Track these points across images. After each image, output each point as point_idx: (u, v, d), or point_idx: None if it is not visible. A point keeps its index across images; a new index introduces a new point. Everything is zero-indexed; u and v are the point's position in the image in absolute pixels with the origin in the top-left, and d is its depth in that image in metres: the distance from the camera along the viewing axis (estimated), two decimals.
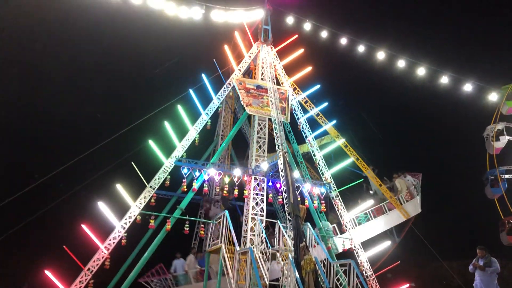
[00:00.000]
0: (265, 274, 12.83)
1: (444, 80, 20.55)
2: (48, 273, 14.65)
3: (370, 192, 21.29)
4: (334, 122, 21.18)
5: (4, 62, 24.53)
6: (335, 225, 19.38)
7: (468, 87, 20.32)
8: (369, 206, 19.98)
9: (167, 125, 18.00)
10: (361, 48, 21.57)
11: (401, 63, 21.08)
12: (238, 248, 13.45)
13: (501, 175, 22.75)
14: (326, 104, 21.38)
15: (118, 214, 16.31)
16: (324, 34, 21.81)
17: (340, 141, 20.73)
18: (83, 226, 15.47)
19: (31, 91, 27.39)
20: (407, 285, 18.32)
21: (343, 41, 21.73)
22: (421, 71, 20.80)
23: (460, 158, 30.16)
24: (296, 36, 22.12)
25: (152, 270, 17.57)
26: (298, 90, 21.32)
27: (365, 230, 19.29)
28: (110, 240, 15.59)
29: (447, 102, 22.70)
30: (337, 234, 18.99)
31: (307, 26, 21.86)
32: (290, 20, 21.95)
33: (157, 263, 18.31)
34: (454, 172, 30.70)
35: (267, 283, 12.68)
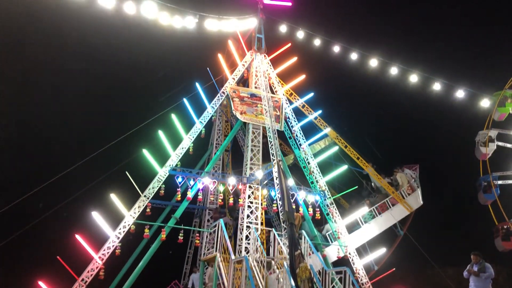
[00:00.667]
0: (261, 283, 12.78)
1: (437, 86, 20.73)
2: (42, 284, 14.53)
3: (373, 187, 21.54)
4: (328, 130, 21.31)
5: None
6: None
7: (460, 94, 20.52)
8: (364, 213, 20.01)
9: (161, 134, 17.99)
10: (354, 56, 21.74)
11: (393, 70, 21.25)
12: (233, 257, 13.41)
13: (494, 181, 22.84)
14: (320, 111, 21.49)
15: (112, 224, 16.23)
16: (317, 42, 21.99)
17: (327, 153, 20.95)
18: (77, 236, 15.38)
19: (21, 100, 27.31)
20: None
21: (336, 49, 21.90)
22: (413, 78, 20.98)
23: (453, 165, 30.33)
24: (289, 44, 22.25)
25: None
26: (295, 96, 21.44)
27: (370, 228, 19.57)
28: (104, 250, 15.50)
29: (440, 108, 22.89)
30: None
31: (300, 34, 22.03)
32: (283, 28, 22.11)
33: (152, 273, 18.19)
34: (447, 178, 30.85)
35: None
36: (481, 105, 20.80)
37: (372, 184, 21.76)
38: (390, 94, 25.07)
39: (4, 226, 17.52)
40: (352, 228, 19.48)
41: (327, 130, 21.26)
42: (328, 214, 19.03)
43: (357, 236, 19.26)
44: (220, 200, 18.32)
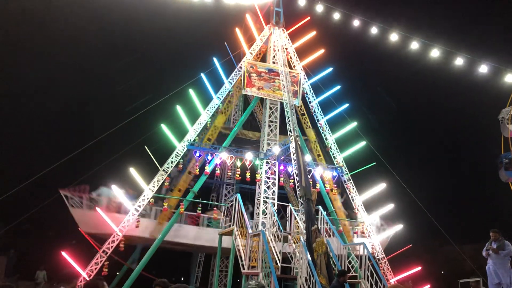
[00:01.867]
0: (277, 256, 12.94)
1: (459, 61, 20.17)
2: (64, 254, 14.97)
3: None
4: (347, 105, 21.06)
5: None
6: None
7: (483, 69, 19.94)
8: (381, 189, 19.91)
9: (179, 109, 18.06)
10: (374, 30, 21.23)
11: (414, 45, 20.71)
12: (250, 231, 13.56)
13: None
14: (338, 87, 21.22)
15: (132, 197, 16.55)
16: (336, 16, 21.49)
17: (344, 130, 20.64)
18: (98, 209, 15.71)
19: (44, 75, 27.63)
20: (419, 268, 18.35)
21: (356, 22, 21.39)
22: (434, 52, 20.43)
23: (474, 141, 29.84)
24: (308, 18, 21.88)
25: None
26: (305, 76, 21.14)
27: None
28: (124, 222, 15.82)
29: (462, 84, 22.37)
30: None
31: (319, 8, 21.54)
32: (302, 1, 21.65)
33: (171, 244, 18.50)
34: (468, 156, 30.44)
35: (279, 265, 12.80)
36: (505, 81, 20.23)
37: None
38: (410, 69, 24.60)
39: (27, 199, 18.00)
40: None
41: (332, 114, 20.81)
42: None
43: None
44: (237, 175, 18.45)
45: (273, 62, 20.06)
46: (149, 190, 16.44)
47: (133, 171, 16.51)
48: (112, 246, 15.46)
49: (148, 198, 16.31)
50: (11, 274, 22.20)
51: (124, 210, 16.51)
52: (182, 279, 27.67)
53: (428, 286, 18.16)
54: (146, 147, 16.39)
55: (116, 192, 16.21)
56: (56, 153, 18.20)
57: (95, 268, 15.04)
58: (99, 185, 16.97)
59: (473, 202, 30.31)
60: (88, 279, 14.69)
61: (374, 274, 12.60)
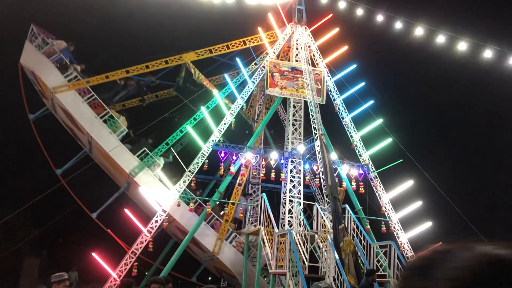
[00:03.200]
0: (304, 256, 12.91)
1: (488, 54, 19.64)
2: (95, 255, 15.28)
3: None
4: (372, 102, 20.78)
5: None
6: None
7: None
8: (409, 186, 19.58)
9: (203, 110, 18.18)
10: (398, 25, 20.89)
11: (440, 39, 20.28)
12: (276, 230, 13.56)
13: None
14: (363, 83, 20.95)
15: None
16: (359, 11, 21.24)
17: (369, 127, 20.34)
18: (126, 210, 15.98)
19: None
20: None
21: (379, 18, 21.10)
22: (462, 45, 19.96)
23: (504, 138, 29.01)
24: (330, 15, 21.67)
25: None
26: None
27: None
28: (152, 223, 16.03)
29: (492, 77, 21.77)
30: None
31: (342, 4, 21.33)
32: None
33: None
34: (503, 154, 29.58)
35: (306, 264, 12.76)
36: None
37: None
38: (437, 63, 24.09)
39: (57, 202, 18.44)
40: None
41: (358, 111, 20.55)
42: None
43: None
44: (262, 175, 18.45)
45: (296, 61, 19.97)
46: (176, 191, 16.61)
47: (160, 173, 16.73)
48: (141, 247, 15.70)
49: (175, 199, 16.47)
50: (44, 275, 22.83)
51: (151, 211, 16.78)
52: (209, 278, 27.89)
53: None
54: (172, 149, 16.57)
55: (145, 194, 16.44)
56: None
57: (125, 269, 15.30)
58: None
59: (504, 198, 29.48)
60: (118, 279, 14.97)
61: None
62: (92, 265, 15.86)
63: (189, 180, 16.84)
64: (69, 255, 23.04)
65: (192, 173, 17.00)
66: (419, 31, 20.56)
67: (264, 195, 15.65)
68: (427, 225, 19.60)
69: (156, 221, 16.09)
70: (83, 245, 18.77)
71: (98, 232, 16.88)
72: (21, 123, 19.02)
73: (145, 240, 15.79)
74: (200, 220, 16.60)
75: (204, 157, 17.29)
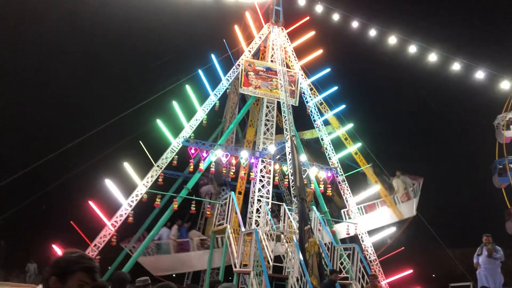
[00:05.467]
0: (269, 256, 12.93)
1: (456, 66, 20.18)
2: (55, 247, 14.86)
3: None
4: (343, 107, 21.04)
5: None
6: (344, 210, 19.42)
7: (480, 75, 19.95)
8: (376, 192, 19.93)
9: (175, 105, 17.96)
10: (372, 32, 21.22)
11: (412, 49, 20.72)
12: (243, 229, 13.54)
13: (510, 164, 22.59)
14: (335, 88, 21.18)
15: (125, 192, 16.44)
16: (335, 17, 21.47)
17: (340, 131, 20.57)
18: (90, 202, 15.62)
19: (43, 71, 27.48)
20: (411, 270, 18.38)
21: (355, 24, 21.37)
22: (432, 57, 20.45)
23: (469, 147, 29.97)
24: (307, 18, 21.84)
25: (133, 235, 17.54)
26: (304, 77, 21.10)
27: (367, 220, 19.35)
28: (117, 217, 15.73)
29: (458, 89, 22.43)
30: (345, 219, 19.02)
31: (319, 8, 21.52)
32: (301, 1, 21.62)
33: None
34: (462, 161, 30.56)
35: (271, 264, 12.79)
36: (501, 87, 20.28)
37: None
38: (408, 72, 24.63)
39: (19, 191, 17.87)
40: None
41: (329, 115, 20.78)
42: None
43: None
44: (232, 173, 18.37)
45: (271, 61, 20.01)
46: (142, 186, 16.35)
47: (127, 166, 16.42)
48: (104, 241, 15.38)
49: (141, 194, 16.22)
50: (2, 266, 22.08)
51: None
52: (173, 275, 27.55)
53: None
54: (141, 142, 16.30)
55: (110, 187, 16.11)
56: (50, 145, 18.07)
57: None
58: (96, 183, 16.88)
59: (465, 206, 30.44)
60: None
61: (366, 276, 12.62)
62: (52, 257, 15.41)
63: (157, 175, 16.61)
64: (29, 247, 22.37)
65: (161, 168, 16.79)
66: (392, 40, 20.95)
67: (232, 193, 15.61)
68: (391, 230, 20.02)
69: (121, 215, 15.80)
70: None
71: (59, 224, 16.45)
72: None
73: (109, 234, 15.48)
74: (165, 217, 16.40)
75: (173, 152, 17.11)
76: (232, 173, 18.50)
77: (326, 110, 20.70)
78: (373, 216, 19.62)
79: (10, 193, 17.38)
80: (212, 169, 17.17)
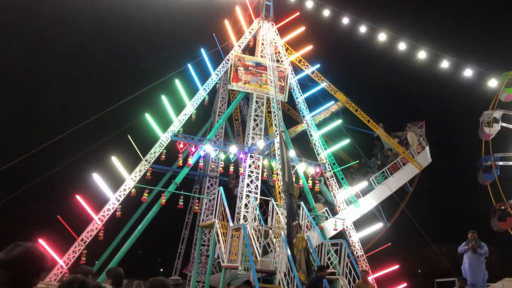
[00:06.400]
0: (257, 250, 12.97)
1: (445, 64, 20.39)
2: (42, 242, 14.72)
3: (384, 150, 21.85)
4: (332, 103, 21.15)
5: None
6: (322, 203, 19.57)
7: (468, 73, 20.18)
8: (364, 187, 20.06)
9: (164, 99, 17.85)
10: (362, 29, 21.32)
11: (401, 46, 20.87)
12: (231, 224, 13.54)
13: (495, 162, 22.89)
14: (324, 84, 21.25)
15: (113, 186, 16.33)
16: (326, 12, 21.52)
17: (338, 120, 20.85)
18: (78, 197, 15.49)
19: (28, 65, 27.12)
20: (397, 266, 18.57)
21: (345, 20, 21.45)
22: (421, 54, 20.62)
23: (455, 144, 30.30)
24: (297, 13, 21.82)
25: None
26: (304, 62, 21.14)
27: (383, 189, 19.73)
28: (104, 211, 15.63)
29: (446, 86, 22.67)
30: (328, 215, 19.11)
31: (309, 3, 21.53)
32: None
33: (150, 236, 18.42)
34: (448, 158, 30.87)
35: (259, 259, 12.82)
36: (489, 85, 20.53)
37: (382, 145, 22.05)
38: (397, 69, 24.76)
39: (6, 184, 17.67)
40: (365, 191, 19.64)
41: (324, 84, 21.07)
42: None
43: (372, 197, 19.46)
44: (221, 168, 18.36)
45: (261, 56, 19.97)
46: (130, 180, 16.26)
47: (115, 160, 16.30)
48: (91, 235, 15.28)
49: (129, 188, 16.13)
50: None
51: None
52: (161, 270, 27.57)
53: (405, 284, 18.41)
54: (129, 136, 16.19)
55: (98, 181, 15.98)
56: (37, 139, 17.86)
57: (73, 257, 14.86)
58: (83, 177, 16.75)
59: (452, 203, 30.80)
60: (65, 267, 14.51)
61: (353, 271, 12.73)
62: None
63: (145, 170, 16.53)
64: (15, 240, 22.10)
65: (149, 162, 16.70)
66: (382, 36, 21.06)
67: (221, 188, 15.58)
68: (378, 226, 20.19)
69: (109, 209, 15.71)
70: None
71: (47, 218, 16.31)
72: None
73: (96, 228, 15.38)
74: (153, 211, 16.33)
75: (162, 147, 17.02)
76: (221, 168, 18.53)
77: (321, 78, 20.97)
78: (399, 175, 20.11)
79: None
80: (201, 164, 17.16)
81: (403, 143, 21.19)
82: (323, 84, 20.94)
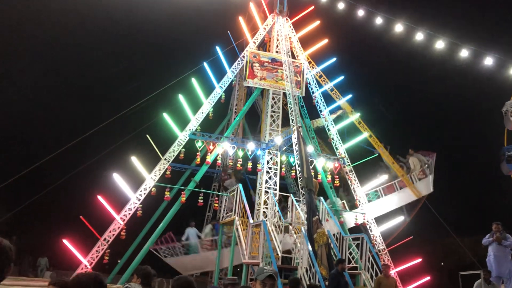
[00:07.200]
0: (278, 247, 12.97)
1: (464, 53, 19.96)
2: (66, 242, 14.99)
3: (386, 168, 21.07)
4: (349, 96, 20.95)
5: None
6: (344, 201, 19.40)
7: (488, 61, 19.72)
8: (383, 181, 19.88)
9: (181, 98, 17.96)
10: (378, 20, 21.00)
11: (419, 36, 20.50)
12: (251, 221, 13.57)
13: None
14: (342, 77, 21.09)
15: (133, 185, 16.51)
16: (340, 5, 21.25)
17: (355, 117, 20.55)
18: (99, 197, 15.70)
19: (49, 66, 27.55)
20: (420, 259, 18.36)
21: (360, 12, 21.15)
22: (440, 44, 20.23)
23: (477, 134, 29.72)
24: (312, 7, 21.66)
25: (161, 238, 17.73)
26: (313, 64, 21.03)
27: (376, 206, 19.27)
28: (125, 211, 15.82)
29: (467, 76, 22.21)
30: (347, 210, 18.98)
31: None
32: None
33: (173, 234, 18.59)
34: (471, 148, 30.34)
35: (279, 255, 12.82)
36: (511, 73, 20.03)
37: (384, 163, 20.96)
38: (415, 61, 24.40)
39: (29, 187, 18.03)
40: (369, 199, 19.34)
41: (341, 101, 20.74)
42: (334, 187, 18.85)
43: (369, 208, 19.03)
44: (239, 165, 18.38)
45: (276, 52, 19.90)
46: (150, 179, 16.41)
47: (135, 160, 16.48)
48: (113, 235, 15.49)
49: (150, 187, 16.29)
50: (14, 261, 22.30)
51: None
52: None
53: (428, 278, 18.19)
54: (148, 136, 16.33)
55: (118, 181, 16.18)
56: (58, 141, 18.17)
57: (96, 256, 15.08)
58: (104, 177, 16.99)
59: (474, 194, 30.28)
60: (89, 266, 14.75)
61: (375, 266, 12.64)
62: (63, 251, 15.55)
63: (164, 169, 16.66)
64: (40, 241, 22.57)
65: (168, 161, 16.84)
66: (399, 27, 20.72)
67: (240, 185, 15.63)
68: (399, 219, 19.97)
69: (130, 209, 15.89)
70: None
71: (70, 218, 16.59)
72: None
73: (118, 228, 15.58)
74: (174, 209, 16.47)
75: (180, 145, 17.13)
76: (239, 165, 18.53)
77: (338, 96, 20.67)
78: (391, 198, 19.54)
79: (20, 188, 17.53)
80: (219, 162, 17.25)
81: (404, 167, 20.23)
82: (326, 87, 20.61)
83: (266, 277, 3.90)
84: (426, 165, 19.87)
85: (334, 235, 13.91)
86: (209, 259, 17.18)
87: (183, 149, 17.14)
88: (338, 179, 18.07)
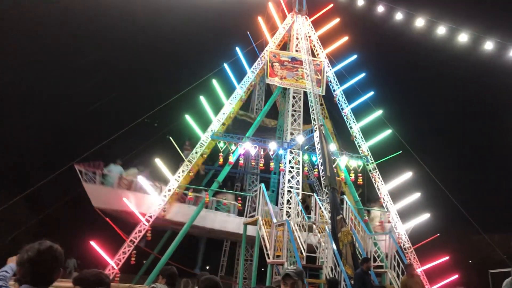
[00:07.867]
0: (302, 246, 12.94)
1: (488, 46, 19.49)
2: (93, 244, 15.29)
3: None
4: (372, 93, 20.74)
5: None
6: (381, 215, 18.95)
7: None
8: (407, 178, 19.58)
9: (202, 99, 18.11)
10: (398, 16, 20.72)
11: (441, 30, 20.13)
12: (275, 220, 13.58)
13: None
14: (363, 74, 20.90)
15: (158, 187, 16.74)
16: (360, 2, 21.07)
17: (377, 114, 20.34)
18: (125, 199, 15.96)
19: (70, 72, 28.11)
20: (447, 257, 18.05)
21: (380, 8, 20.91)
22: (462, 37, 19.82)
23: (506, 128, 29.02)
24: (331, 5, 21.56)
25: (91, 162, 16.79)
26: (333, 62, 20.89)
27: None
28: (150, 212, 16.03)
29: (492, 69, 21.69)
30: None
31: None
32: None
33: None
34: (499, 144, 29.63)
35: (304, 254, 12.80)
36: None
37: None
38: (437, 55, 23.99)
39: (57, 189, 18.43)
40: None
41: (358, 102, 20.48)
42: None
43: None
44: (261, 165, 18.42)
45: (296, 51, 19.87)
46: (174, 181, 16.60)
47: (158, 162, 16.70)
48: (139, 236, 15.72)
49: (173, 189, 16.47)
50: None
51: (137, 188, 16.68)
52: (207, 267, 27.96)
53: (457, 276, 17.87)
54: (171, 138, 16.53)
55: (143, 183, 16.42)
56: (84, 145, 18.54)
57: (123, 257, 15.34)
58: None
59: (503, 191, 29.56)
60: (116, 267, 15.01)
61: (401, 264, 12.50)
62: (90, 253, 15.86)
63: (188, 170, 16.82)
64: (68, 243, 23.02)
65: (191, 162, 16.99)
66: (419, 22, 20.39)
67: (262, 185, 15.65)
68: (425, 216, 19.64)
69: (155, 210, 16.09)
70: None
71: (96, 221, 16.88)
72: None
73: (144, 229, 15.81)
74: (199, 208, 16.62)
75: (203, 146, 17.27)
76: (261, 165, 18.60)
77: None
78: None
79: (49, 191, 17.94)
80: (241, 162, 17.33)
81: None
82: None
83: (284, 276, 3.95)
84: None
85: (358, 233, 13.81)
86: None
87: (206, 150, 17.27)
88: (361, 177, 17.90)
